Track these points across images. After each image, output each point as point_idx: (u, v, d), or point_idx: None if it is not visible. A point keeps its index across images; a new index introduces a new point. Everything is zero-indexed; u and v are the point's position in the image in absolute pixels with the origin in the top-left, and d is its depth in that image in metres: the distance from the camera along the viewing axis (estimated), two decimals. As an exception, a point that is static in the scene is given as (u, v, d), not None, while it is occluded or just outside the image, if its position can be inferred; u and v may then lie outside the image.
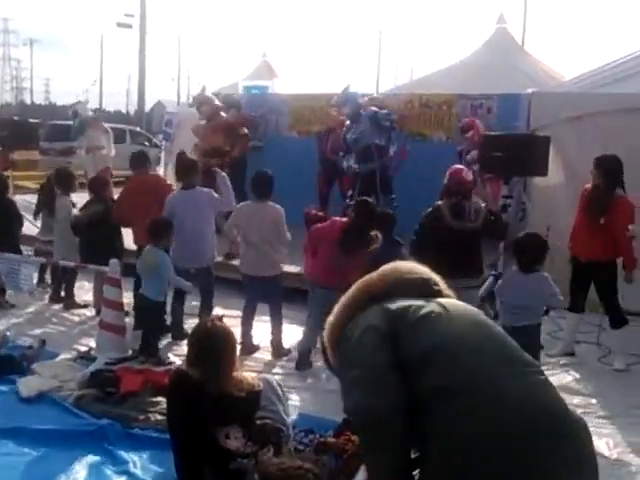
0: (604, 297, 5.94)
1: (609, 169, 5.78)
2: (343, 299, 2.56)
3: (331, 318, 2.57)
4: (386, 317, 2.35)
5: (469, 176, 5.81)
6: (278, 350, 5.86)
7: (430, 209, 5.62)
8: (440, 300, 2.41)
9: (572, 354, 6.09)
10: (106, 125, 12.48)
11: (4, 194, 7.62)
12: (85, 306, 7.22)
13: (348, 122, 8.95)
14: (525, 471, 1.99)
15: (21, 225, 7.75)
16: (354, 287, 2.57)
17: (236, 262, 6.33)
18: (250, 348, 5.85)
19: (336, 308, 2.57)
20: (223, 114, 9.80)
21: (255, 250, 5.82)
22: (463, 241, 5.33)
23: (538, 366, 2.28)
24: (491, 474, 2.01)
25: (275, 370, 5.54)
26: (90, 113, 12.92)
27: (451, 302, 2.43)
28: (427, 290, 2.46)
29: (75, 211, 7.27)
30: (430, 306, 2.35)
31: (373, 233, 5.42)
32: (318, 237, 5.64)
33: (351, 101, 8.95)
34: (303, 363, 5.56)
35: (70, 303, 7.24)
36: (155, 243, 5.77)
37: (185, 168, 6.46)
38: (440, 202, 5.60)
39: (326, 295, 5.51)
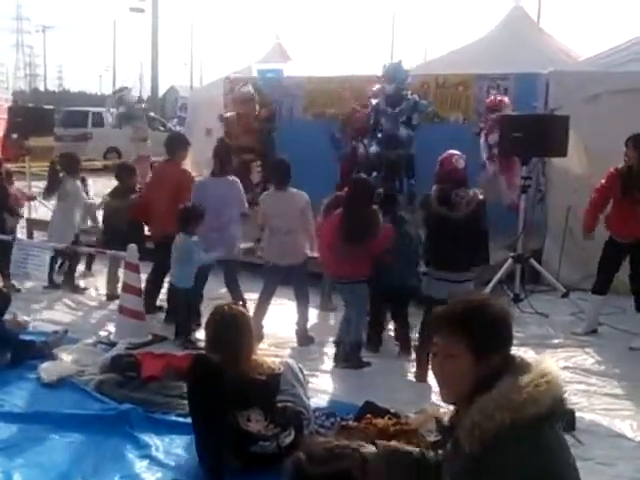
0: (637, 278, 5.92)
1: None
2: (510, 402, 1.93)
3: (487, 422, 1.94)
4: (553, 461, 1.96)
5: (460, 163, 5.21)
6: (302, 339, 5.76)
7: (423, 196, 5.34)
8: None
9: (595, 331, 6.10)
10: None
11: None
12: (85, 289, 7.28)
13: (382, 102, 8.27)
14: None
15: (12, 213, 7.59)
16: (513, 394, 1.95)
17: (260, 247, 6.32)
18: (258, 336, 5.61)
19: (493, 409, 1.94)
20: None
21: (281, 238, 5.71)
22: (449, 231, 4.92)
23: None
24: None
25: (292, 354, 5.48)
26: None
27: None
28: None
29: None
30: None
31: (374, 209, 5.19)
32: (327, 226, 5.48)
33: (398, 80, 8.22)
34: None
35: (70, 286, 7.23)
36: (184, 230, 5.71)
37: (221, 155, 6.33)
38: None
39: (339, 290, 5.54)
